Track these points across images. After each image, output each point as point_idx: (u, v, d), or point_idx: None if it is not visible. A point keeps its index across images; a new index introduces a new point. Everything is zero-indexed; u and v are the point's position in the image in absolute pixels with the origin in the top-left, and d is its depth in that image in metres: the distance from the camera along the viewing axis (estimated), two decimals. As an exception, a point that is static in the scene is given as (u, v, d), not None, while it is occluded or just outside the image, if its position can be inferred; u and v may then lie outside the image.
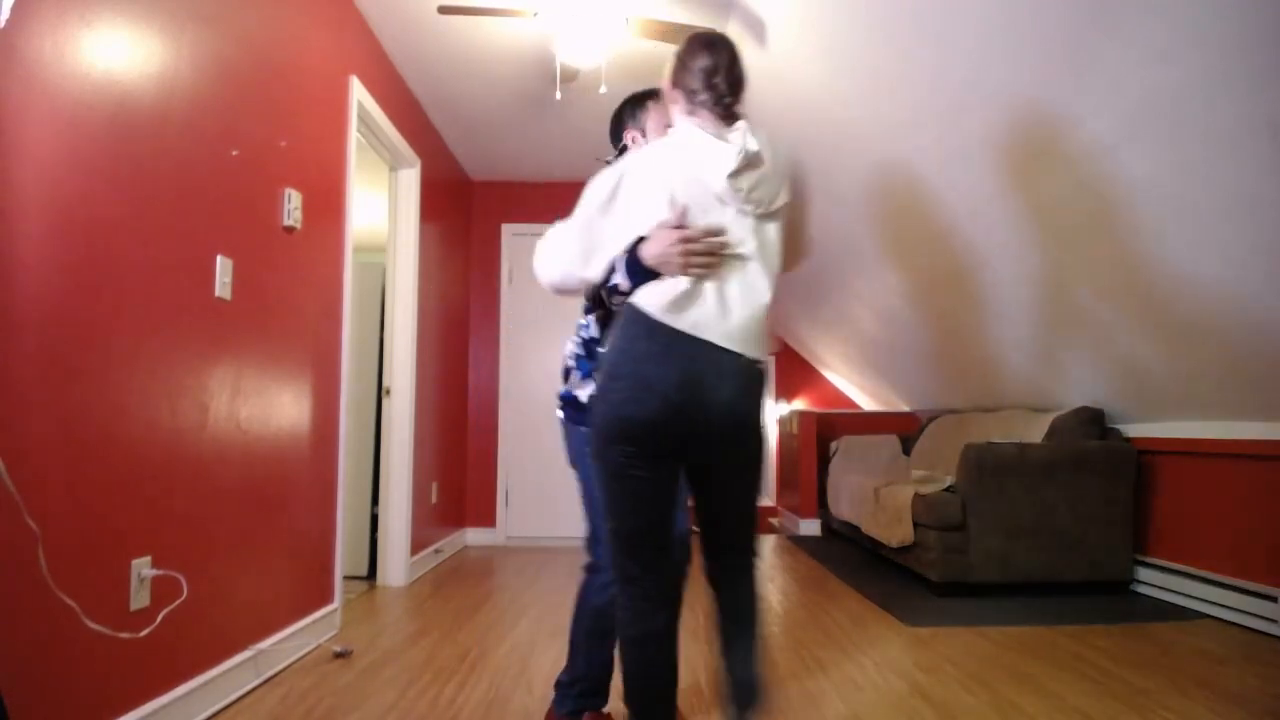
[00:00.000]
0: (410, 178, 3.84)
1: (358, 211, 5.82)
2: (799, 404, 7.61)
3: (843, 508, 4.82)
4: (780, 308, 6.55)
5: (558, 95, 3.24)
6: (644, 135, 1.83)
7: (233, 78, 2.10)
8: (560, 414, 1.85)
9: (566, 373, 1.84)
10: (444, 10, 2.76)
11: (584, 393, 1.77)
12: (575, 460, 1.82)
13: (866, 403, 7.12)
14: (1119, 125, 2.20)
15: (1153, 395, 3.18)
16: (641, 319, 1.40)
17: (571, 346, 1.82)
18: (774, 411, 7.64)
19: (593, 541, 1.81)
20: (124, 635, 1.64)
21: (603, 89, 3.09)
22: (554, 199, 5.23)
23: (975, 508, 3.33)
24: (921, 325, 4.38)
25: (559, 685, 1.89)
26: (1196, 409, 3.03)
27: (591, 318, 1.79)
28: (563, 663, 1.95)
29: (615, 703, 1.84)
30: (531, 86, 3.72)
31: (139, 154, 1.71)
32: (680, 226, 1.39)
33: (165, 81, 1.80)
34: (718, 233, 1.41)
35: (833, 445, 5.63)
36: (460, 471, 4.87)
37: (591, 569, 1.84)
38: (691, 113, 1.50)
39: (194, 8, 1.92)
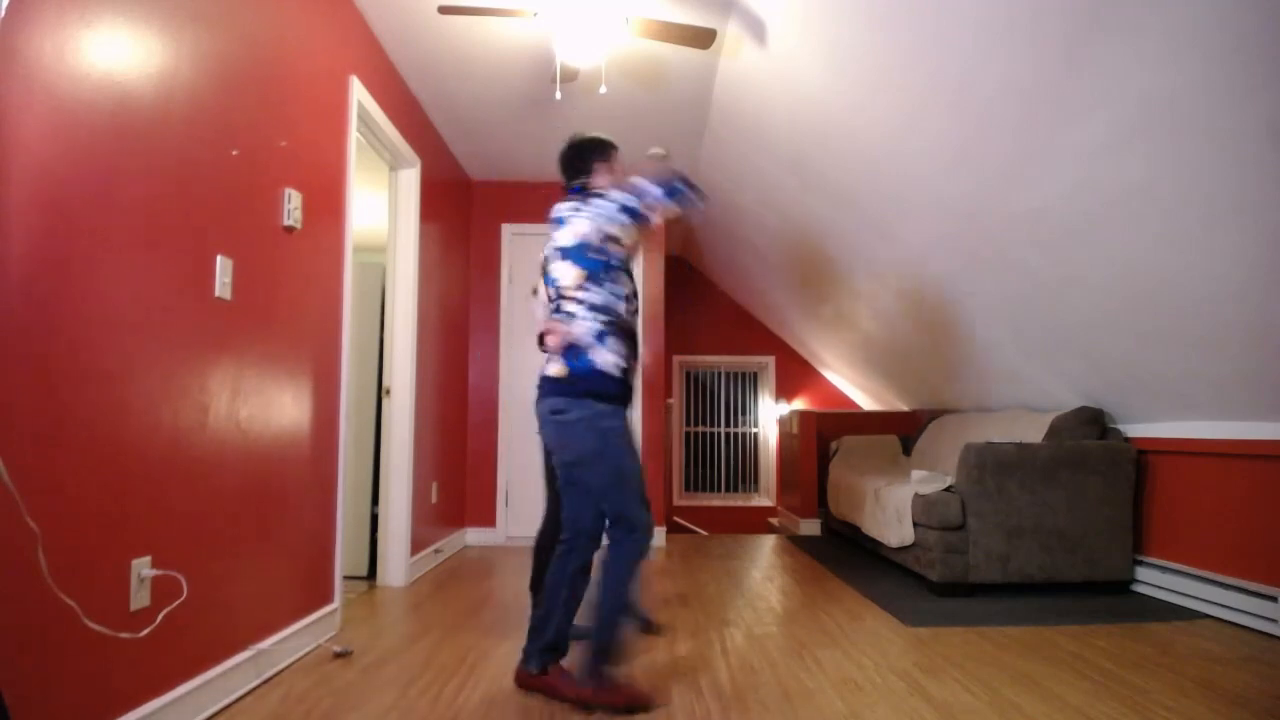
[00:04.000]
0: (410, 178, 3.84)
1: (358, 211, 5.85)
2: (799, 404, 7.62)
3: (843, 508, 4.82)
4: (780, 308, 6.57)
5: (558, 95, 3.24)
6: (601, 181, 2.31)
7: (233, 78, 2.10)
8: (586, 400, 2.07)
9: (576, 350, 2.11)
10: (444, 10, 2.76)
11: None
12: (606, 440, 2.09)
13: (866, 403, 7.13)
14: (1119, 126, 2.20)
15: (1152, 395, 3.18)
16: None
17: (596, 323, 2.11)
18: (774, 411, 7.65)
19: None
20: (124, 635, 1.64)
21: (603, 89, 3.09)
22: (554, 199, 5.22)
23: (975, 508, 3.33)
24: (921, 325, 4.38)
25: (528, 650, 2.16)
26: (1196, 409, 3.03)
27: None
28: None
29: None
30: (531, 86, 3.73)
31: (139, 154, 1.71)
32: None
33: (165, 81, 1.81)
34: None
35: (833, 445, 5.63)
36: (460, 471, 4.87)
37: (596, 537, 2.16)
38: None
39: (194, 8, 1.93)
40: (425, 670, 2.34)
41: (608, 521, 2.08)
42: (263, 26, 2.28)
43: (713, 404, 7.94)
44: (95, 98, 1.57)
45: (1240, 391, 2.74)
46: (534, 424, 3.00)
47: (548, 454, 2.34)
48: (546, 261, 2.30)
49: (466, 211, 5.09)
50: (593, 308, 2.08)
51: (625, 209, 2.07)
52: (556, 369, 2.11)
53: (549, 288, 2.22)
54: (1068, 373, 3.55)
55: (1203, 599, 3.03)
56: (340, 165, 2.86)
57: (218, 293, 2.01)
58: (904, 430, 5.81)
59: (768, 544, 5.03)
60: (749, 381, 7.96)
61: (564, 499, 2.17)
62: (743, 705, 2.05)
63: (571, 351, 2.08)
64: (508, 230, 5.14)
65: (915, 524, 3.55)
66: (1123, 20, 1.93)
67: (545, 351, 2.22)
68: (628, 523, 2.03)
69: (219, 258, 2.02)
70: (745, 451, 7.93)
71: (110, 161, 1.62)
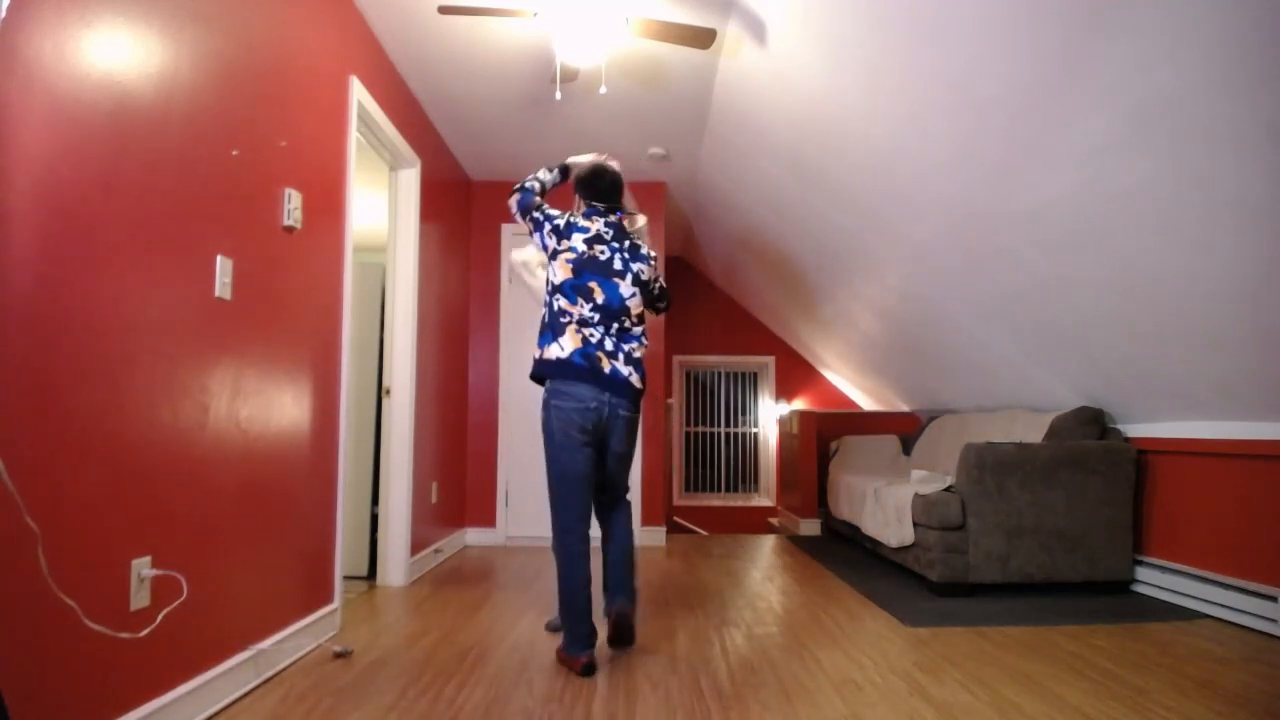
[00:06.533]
0: (410, 178, 3.84)
1: (358, 211, 5.85)
2: (799, 404, 7.62)
3: (842, 508, 4.82)
4: (780, 307, 6.57)
5: (558, 95, 3.24)
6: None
7: (233, 78, 2.10)
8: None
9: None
10: (444, 10, 2.76)
11: None
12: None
13: (866, 403, 7.13)
14: (1118, 126, 2.20)
15: (1153, 395, 3.18)
16: None
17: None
18: (774, 411, 7.65)
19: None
20: (124, 635, 1.64)
21: (603, 89, 3.08)
22: (554, 199, 5.24)
23: (975, 508, 3.33)
24: (921, 324, 4.38)
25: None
26: (1197, 409, 3.03)
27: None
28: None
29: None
30: (531, 86, 3.73)
31: (139, 154, 1.71)
32: None
33: (165, 81, 1.81)
34: None
35: (833, 445, 5.64)
36: (460, 471, 4.87)
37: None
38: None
39: (194, 8, 1.93)
40: (425, 670, 2.34)
41: (619, 492, 2.67)
42: (263, 26, 2.28)
43: (713, 404, 7.94)
44: (95, 98, 1.57)
45: (1240, 391, 2.74)
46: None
47: (585, 446, 2.44)
48: (607, 263, 2.52)
49: (466, 211, 5.09)
50: (644, 334, 2.59)
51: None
52: (638, 380, 2.52)
53: (611, 300, 2.49)
54: (1068, 372, 3.55)
55: (1203, 599, 3.03)
56: (340, 165, 2.86)
57: (218, 293, 2.01)
58: (904, 430, 5.82)
59: (768, 544, 5.03)
60: (749, 381, 7.96)
61: (616, 478, 2.62)
62: (743, 705, 2.05)
63: (643, 367, 2.55)
64: (508, 230, 5.14)
65: (915, 524, 3.55)
66: (1122, 20, 1.93)
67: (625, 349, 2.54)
68: (627, 491, 2.72)
69: (219, 258, 2.02)
70: (745, 451, 7.93)
71: (110, 161, 1.62)
